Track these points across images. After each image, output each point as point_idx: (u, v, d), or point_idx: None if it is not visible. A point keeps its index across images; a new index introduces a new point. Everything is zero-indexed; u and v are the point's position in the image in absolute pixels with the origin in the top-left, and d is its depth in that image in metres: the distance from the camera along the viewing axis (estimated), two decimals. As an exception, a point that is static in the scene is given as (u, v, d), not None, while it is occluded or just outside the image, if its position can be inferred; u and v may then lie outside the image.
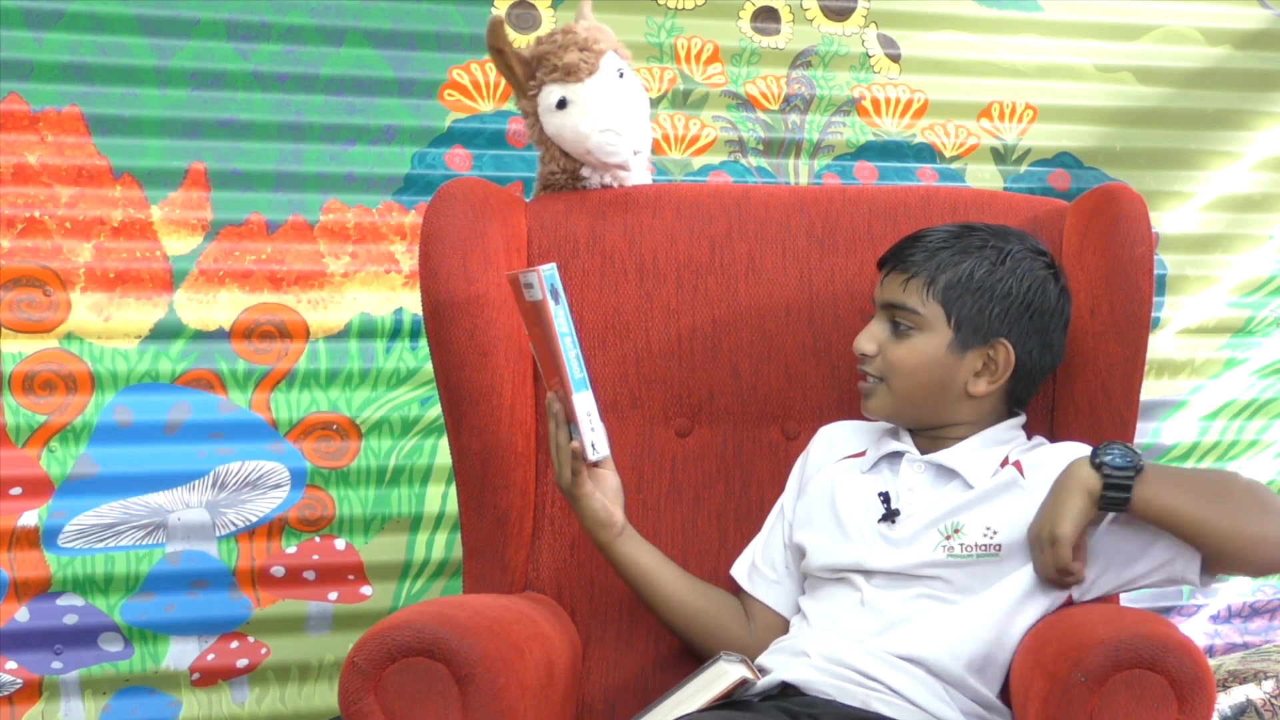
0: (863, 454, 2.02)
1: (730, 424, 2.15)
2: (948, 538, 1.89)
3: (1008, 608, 1.87)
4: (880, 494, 1.96)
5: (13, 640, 2.52)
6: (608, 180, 2.17)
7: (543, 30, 2.71)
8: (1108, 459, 1.79)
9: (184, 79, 2.58)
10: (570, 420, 1.89)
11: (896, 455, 1.99)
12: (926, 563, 1.89)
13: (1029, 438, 2.01)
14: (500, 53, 2.09)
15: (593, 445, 1.89)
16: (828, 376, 2.14)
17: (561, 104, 2.10)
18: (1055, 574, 1.81)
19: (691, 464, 2.14)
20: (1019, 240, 1.98)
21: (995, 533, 1.88)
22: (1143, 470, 1.79)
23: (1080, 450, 1.92)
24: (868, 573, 1.92)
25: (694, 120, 2.83)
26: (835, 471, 2.01)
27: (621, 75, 2.13)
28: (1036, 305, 1.95)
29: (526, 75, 2.11)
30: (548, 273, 1.84)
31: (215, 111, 2.60)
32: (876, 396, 1.98)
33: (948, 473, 1.95)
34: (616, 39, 2.16)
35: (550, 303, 1.84)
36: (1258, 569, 1.83)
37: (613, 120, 2.11)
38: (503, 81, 2.71)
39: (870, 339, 1.96)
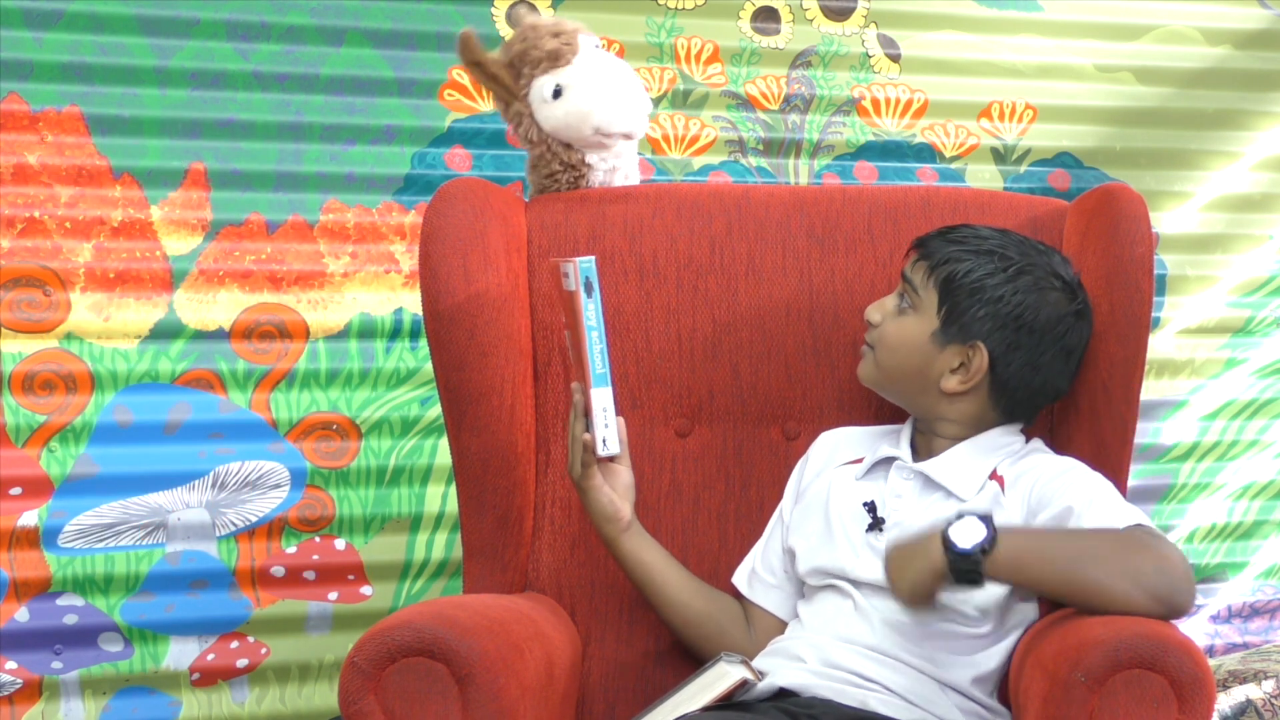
0: (860, 460, 2.02)
1: (730, 424, 2.15)
2: None
3: (994, 619, 1.88)
4: (866, 504, 1.96)
5: (13, 640, 2.52)
6: (608, 167, 2.16)
7: (543, 30, 2.71)
8: (953, 538, 1.73)
9: (184, 79, 2.58)
10: (587, 414, 1.90)
11: (889, 461, 1.99)
12: None
13: (1027, 440, 2.00)
14: (478, 65, 2.08)
15: (603, 441, 1.89)
16: (828, 376, 2.14)
17: (557, 92, 2.10)
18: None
19: (691, 464, 2.14)
20: (1045, 261, 1.96)
21: None
22: (991, 551, 1.72)
23: (1070, 466, 1.92)
24: (855, 581, 1.92)
25: (694, 120, 2.83)
26: (833, 478, 2.02)
27: (598, 47, 2.14)
28: (1027, 321, 1.93)
29: (513, 77, 2.11)
30: (584, 265, 1.86)
31: (215, 111, 2.60)
32: (865, 362, 2.00)
33: (935, 483, 1.95)
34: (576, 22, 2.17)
35: (582, 295, 1.86)
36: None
37: (612, 90, 2.11)
38: (503, 81, 2.71)
39: (878, 308, 1.99)
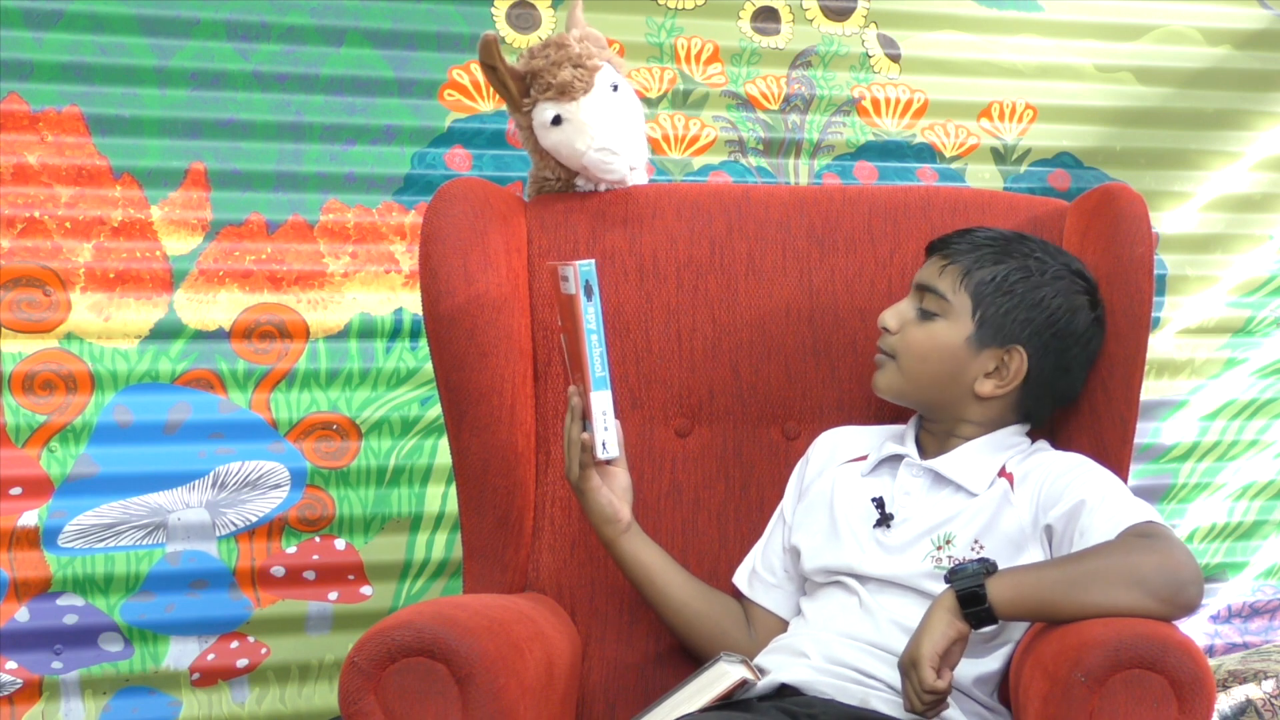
0: (864, 458, 2.02)
1: (730, 424, 2.15)
2: (939, 548, 1.89)
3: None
4: (874, 499, 1.96)
5: (13, 640, 2.52)
6: (603, 188, 2.17)
7: (543, 30, 2.71)
8: (956, 570, 1.74)
9: (184, 79, 2.58)
10: (586, 417, 1.90)
11: (896, 459, 1.99)
12: (916, 573, 1.89)
13: (1033, 441, 2.00)
14: (493, 70, 2.09)
15: (603, 445, 1.89)
16: (828, 376, 2.14)
17: (556, 120, 2.10)
18: (919, 702, 1.72)
19: (691, 464, 2.14)
20: (1067, 263, 1.97)
21: (983, 547, 1.88)
22: (992, 572, 1.73)
23: (1079, 462, 1.92)
24: (862, 578, 1.92)
25: (694, 120, 2.83)
26: (836, 475, 2.01)
27: (616, 89, 2.12)
28: (1062, 326, 1.94)
29: (520, 92, 2.11)
30: (584, 268, 1.86)
31: (215, 111, 2.60)
32: (885, 372, 1.98)
33: (945, 479, 1.95)
34: (609, 49, 2.15)
35: (582, 298, 1.86)
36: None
37: (608, 139, 2.10)
38: (503, 81, 2.72)
39: (895, 315, 1.97)
